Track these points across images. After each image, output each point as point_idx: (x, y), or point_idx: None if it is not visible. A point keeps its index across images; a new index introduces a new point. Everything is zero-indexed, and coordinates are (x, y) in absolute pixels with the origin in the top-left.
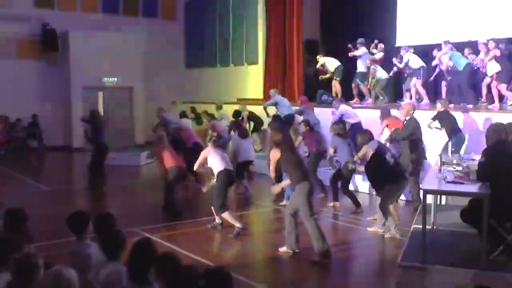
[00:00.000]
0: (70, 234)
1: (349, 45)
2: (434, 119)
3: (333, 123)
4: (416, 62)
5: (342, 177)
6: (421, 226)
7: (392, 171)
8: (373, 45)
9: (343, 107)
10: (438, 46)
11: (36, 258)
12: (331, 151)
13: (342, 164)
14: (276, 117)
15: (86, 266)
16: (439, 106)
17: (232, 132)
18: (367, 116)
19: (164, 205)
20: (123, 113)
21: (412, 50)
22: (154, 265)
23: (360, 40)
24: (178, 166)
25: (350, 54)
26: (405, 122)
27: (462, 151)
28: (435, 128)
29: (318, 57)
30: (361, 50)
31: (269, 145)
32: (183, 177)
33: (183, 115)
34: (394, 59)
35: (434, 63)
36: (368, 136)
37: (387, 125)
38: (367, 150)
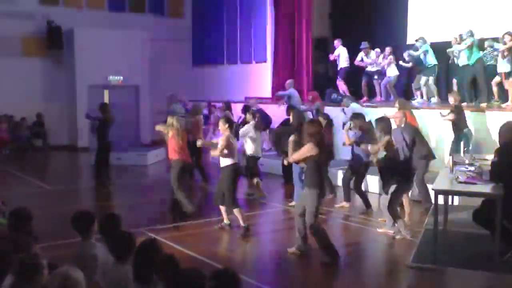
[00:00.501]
0: (75, 234)
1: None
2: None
3: (352, 117)
4: (432, 58)
5: (356, 174)
6: (432, 227)
7: (405, 167)
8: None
9: (355, 105)
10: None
11: (39, 259)
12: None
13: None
14: (292, 107)
15: (93, 266)
16: (452, 100)
17: (248, 119)
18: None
19: (172, 205)
20: (129, 112)
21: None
22: (154, 267)
23: (364, 44)
24: (182, 160)
25: (361, 63)
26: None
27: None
28: (447, 119)
29: (336, 42)
30: (373, 55)
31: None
32: (189, 173)
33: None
34: (408, 53)
35: (450, 50)
36: (389, 123)
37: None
38: (389, 139)
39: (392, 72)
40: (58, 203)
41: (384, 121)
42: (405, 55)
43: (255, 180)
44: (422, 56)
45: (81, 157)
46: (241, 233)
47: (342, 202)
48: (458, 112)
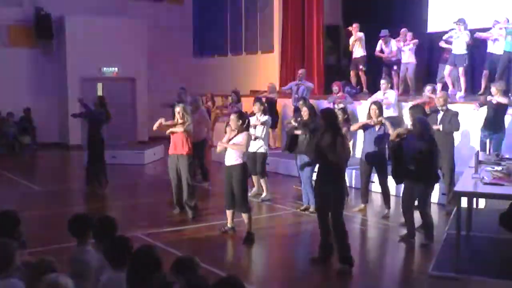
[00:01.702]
0: (67, 239)
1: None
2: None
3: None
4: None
5: (384, 170)
6: (454, 232)
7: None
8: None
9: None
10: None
11: (53, 263)
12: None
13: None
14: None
15: (85, 274)
16: (495, 91)
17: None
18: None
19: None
20: (125, 107)
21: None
22: (171, 269)
23: (383, 32)
24: (191, 155)
25: (381, 55)
26: (443, 112)
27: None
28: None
29: (354, 26)
30: (393, 45)
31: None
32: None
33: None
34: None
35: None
36: (421, 109)
37: None
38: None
39: (411, 59)
40: (48, 206)
41: (418, 109)
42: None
43: (264, 179)
44: (466, 42)
45: (73, 156)
46: (245, 238)
47: (360, 205)
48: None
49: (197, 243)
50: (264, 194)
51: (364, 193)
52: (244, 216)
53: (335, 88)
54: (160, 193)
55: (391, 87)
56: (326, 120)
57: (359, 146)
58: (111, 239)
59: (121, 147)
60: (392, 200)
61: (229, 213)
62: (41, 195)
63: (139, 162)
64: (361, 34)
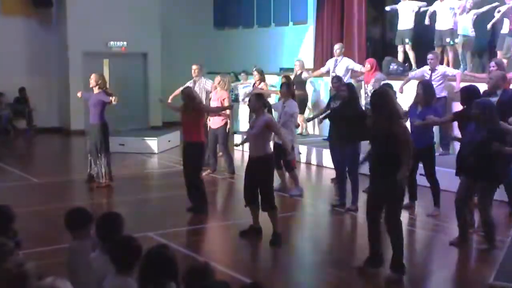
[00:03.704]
0: (68, 238)
1: None
2: None
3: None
4: None
5: (431, 161)
6: None
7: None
8: None
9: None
10: None
11: (25, 268)
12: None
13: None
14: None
15: (86, 277)
16: None
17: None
18: None
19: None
20: (135, 87)
21: None
22: (183, 278)
23: None
24: (202, 142)
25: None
26: (499, 96)
27: None
28: None
29: None
30: (449, 1)
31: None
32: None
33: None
34: None
35: None
36: (474, 91)
37: None
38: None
39: (470, 31)
40: (47, 200)
41: (468, 90)
42: None
43: (292, 173)
44: None
45: (74, 143)
46: (271, 240)
47: (407, 202)
48: None
49: (216, 245)
50: (292, 188)
51: (411, 188)
52: (271, 213)
53: (367, 65)
54: (175, 186)
55: (441, 63)
56: (377, 102)
57: None
58: (116, 239)
59: (130, 133)
60: (445, 196)
61: (252, 210)
62: (38, 187)
63: (151, 151)
64: (412, 3)
